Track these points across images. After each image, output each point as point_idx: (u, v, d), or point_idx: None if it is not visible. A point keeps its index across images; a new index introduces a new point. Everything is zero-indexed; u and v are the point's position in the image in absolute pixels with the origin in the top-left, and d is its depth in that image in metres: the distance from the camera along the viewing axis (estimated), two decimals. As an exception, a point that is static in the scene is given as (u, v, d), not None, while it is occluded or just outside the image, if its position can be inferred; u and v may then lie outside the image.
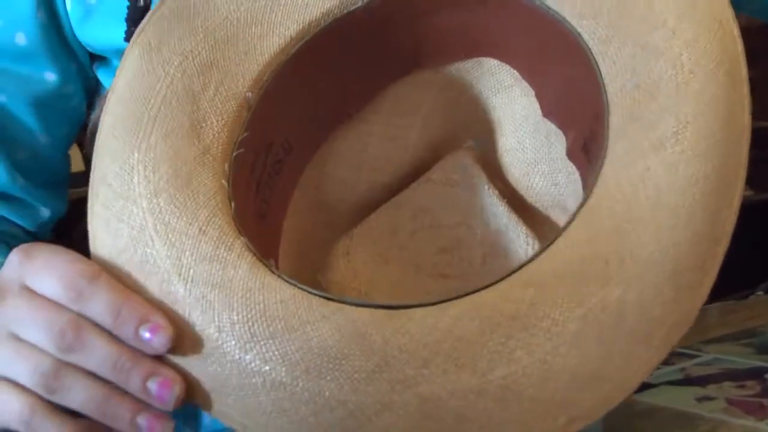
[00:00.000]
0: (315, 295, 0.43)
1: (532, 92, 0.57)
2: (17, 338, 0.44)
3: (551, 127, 0.56)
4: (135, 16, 0.63)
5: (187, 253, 0.44)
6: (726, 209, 0.43)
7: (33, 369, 0.43)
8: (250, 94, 0.51)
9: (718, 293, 0.44)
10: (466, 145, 0.60)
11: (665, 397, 0.51)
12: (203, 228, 0.45)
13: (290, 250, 0.56)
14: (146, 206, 0.46)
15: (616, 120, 0.46)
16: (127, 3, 0.63)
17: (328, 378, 0.41)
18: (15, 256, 0.45)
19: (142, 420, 0.43)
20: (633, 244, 0.42)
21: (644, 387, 0.52)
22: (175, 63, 0.50)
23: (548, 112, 0.56)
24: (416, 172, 0.60)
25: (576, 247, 0.42)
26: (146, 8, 0.63)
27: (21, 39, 0.65)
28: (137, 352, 0.43)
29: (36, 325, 0.43)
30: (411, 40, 0.57)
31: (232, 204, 0.47)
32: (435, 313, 0.42)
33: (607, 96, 0.47)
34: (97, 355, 0.43)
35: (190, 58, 0.50)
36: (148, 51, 0.50)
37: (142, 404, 0.43)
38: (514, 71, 0.57)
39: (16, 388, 0.44)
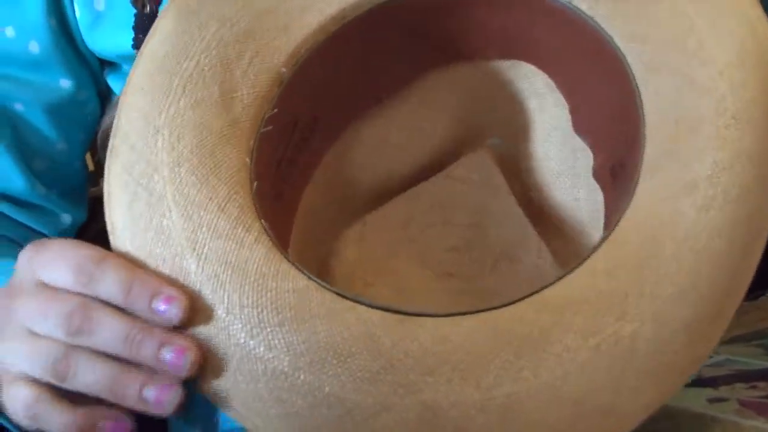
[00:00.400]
0: (329, 290, 0.42)
1: (566, 106, 0.56)
2: (32, 333, 0.43)
3: (580, 143, 0.55)
4: (142, 24, 0.63)
5: (204, 228, 0.44)
6: (749, 260, 0.43)
7: (44, 359, 0.42)
8: (285, 69, 0.50)
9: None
10: (488, 143, 0.60)
11: (678, 398, 0.50)
12: (222, 205, 0.44)
13: (300, 226, 0.55)
14: (167, 175, 0.45)
15: (651, 151, 0.45)
16: (135, 11, 0.63)
17: (331, 374, 0.41)
18: (25, 255, 0.45)
19: (149, 392, 0.42)
20: (654, 283, 0.41)
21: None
22: (213, 29, 0.49)
23: (579, 129, 0.55)
24: (436, 165, 0.60)
25: (597, 277, 0.42)
26: (153, 15, 0.63)
27: (34, 47, 0.65)
28: (148, 326, 0.42)
29: (46, 315, 0.43)
30: (451, 31, 0.56)
31: (255, 184, 0.46)
32: (447, 324, 0.41)
33: (645, 125, 0.46)
34: (107, 331, 0.42)
35: (228, 25, 0.49)
36: (186, 12, 0.49)
37: (148, 377, 0.42)
38: (551, 81, 0.56)
39: (27, 382, 0.43)
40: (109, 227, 0.46)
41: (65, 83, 0.67)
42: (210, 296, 0.42)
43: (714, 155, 0.44)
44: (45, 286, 0.44)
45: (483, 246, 0.56)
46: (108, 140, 0.47)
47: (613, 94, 0.49)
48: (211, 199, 0.44)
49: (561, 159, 0.57)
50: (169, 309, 0.42)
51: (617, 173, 0.51)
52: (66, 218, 0.73)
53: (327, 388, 0.41)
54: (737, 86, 0.45)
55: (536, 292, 0.42)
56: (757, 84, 0.45)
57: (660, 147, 0.45)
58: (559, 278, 0.43)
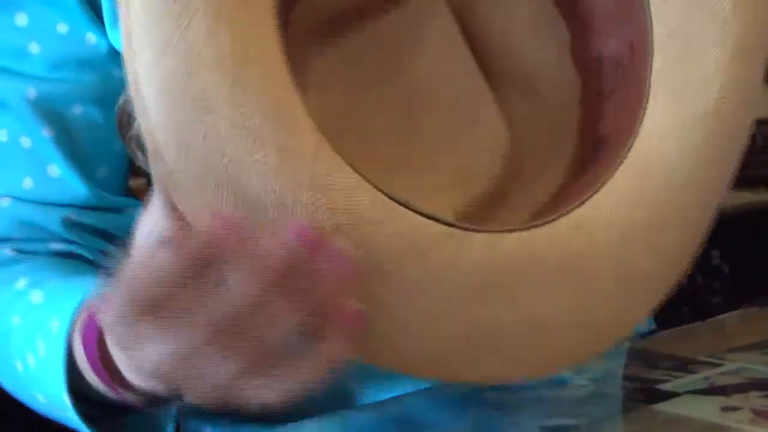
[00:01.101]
0: (381, 192, 0.41)
1: None
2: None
3: (558, 20, 0.55)
4: None
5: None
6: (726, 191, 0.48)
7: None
8: None
9: (738, 301, 0.48)
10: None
11: (689, 407, 0.50)
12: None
13: None
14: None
15: (659, 66, 0.47)
16: None
17: (378, 285, 0.40)
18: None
19: None
20: (673, 218, 0.45)
21: (667, 396, 0.52)
22: None
23: (568, 14, 0.55)
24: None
25: (623, 204, 0.44)
26: None
27: (91, 38, 0.64)
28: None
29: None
30: None
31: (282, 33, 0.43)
32: (493, 244, 0.42)
33: (652, 34, 0.47)
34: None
35: None
36: None
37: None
38: None
39: None
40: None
41: (118, 73, 0.62)
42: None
43: (720, 83, 0.46)
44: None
45: (440, 106, 0.55)
46: (124, 118, 0.41)
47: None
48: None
49: (527, 22, 0.56)
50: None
51: (603, 63, 0.51)
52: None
53: (378, 295, 0.41)
54: (742, 5, 0.46)
55: (570, 211, 0.44)
56: (762, 6, 0.47)
57: (668, 64, 0.47)
58: (588, 197, 0.44)
